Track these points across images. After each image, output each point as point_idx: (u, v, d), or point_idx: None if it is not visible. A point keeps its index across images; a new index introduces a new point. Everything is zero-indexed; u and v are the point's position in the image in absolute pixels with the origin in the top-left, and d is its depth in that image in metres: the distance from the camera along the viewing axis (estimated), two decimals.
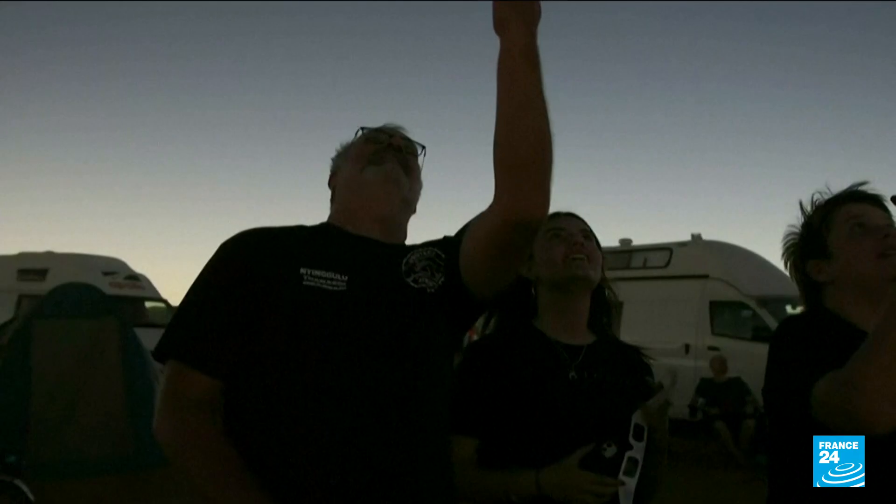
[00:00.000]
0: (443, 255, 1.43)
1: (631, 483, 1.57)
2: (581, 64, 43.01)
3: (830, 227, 1.61)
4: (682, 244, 12.15)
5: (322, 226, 1.51)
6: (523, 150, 1.17)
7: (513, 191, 1.20)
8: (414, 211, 1.57)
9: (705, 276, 11.40)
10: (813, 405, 1.33)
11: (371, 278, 1.34)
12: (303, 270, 1.30)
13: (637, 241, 13.05)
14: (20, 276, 16.12)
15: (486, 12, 1.19)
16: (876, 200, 1.61)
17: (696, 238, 12.17)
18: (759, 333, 9.96)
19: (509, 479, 1.57)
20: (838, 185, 1.67)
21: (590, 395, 1.64)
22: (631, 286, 10.86)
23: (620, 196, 41.82)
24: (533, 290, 1.82)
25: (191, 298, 1.33)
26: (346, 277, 1.31)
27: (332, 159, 1.63)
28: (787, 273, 1.76)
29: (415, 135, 1.58)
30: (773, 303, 10.23)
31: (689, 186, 39.91)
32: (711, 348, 10.64)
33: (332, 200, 1.59)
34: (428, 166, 1.59)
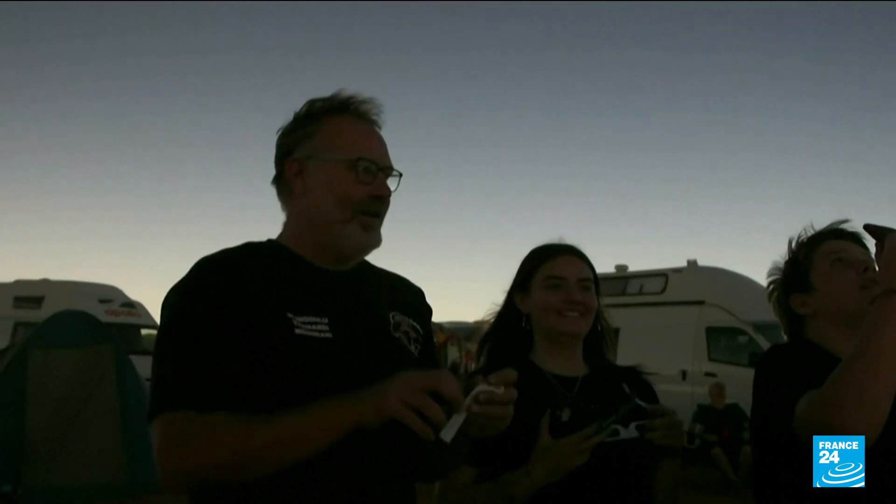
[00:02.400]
0: (420, 331, 1.49)
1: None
2: (577, 88, 43.39)
3: (812, 262, 1.70)
4: (678, 270, 12.17)
5: (278, 249, 1.40)
6: None
7: None
8: None
9: (701, 302, 11.40)
10: (795, 423, 1.39)
11: (355, 324, 1.35)
12: (290, 315, 1.27)
13: (633, 267, 13.08)
14: (16, 304, 16.05)
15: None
16: (855, 237, 1.70)
17: (692, 264, 12.19)
18: (756, 359, 9.88)
19: (508, 483, 1.58)
20: (825, 220, 1.75)
21: (586, 426, 1.65)
22: (627, 312, 10.86)
23: (616, 222, 41.96)
24: (525, 323, 1.84)
25: (191, 338, 1.23)
26: (326, 319, 1.30)
27: (289, 139, 1.42)
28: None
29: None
30: (770, 328, 10.16)
31: (684, 212, 40.07)
32: (708, 374, 10.62)
33: (290, 196, 1.42)
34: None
